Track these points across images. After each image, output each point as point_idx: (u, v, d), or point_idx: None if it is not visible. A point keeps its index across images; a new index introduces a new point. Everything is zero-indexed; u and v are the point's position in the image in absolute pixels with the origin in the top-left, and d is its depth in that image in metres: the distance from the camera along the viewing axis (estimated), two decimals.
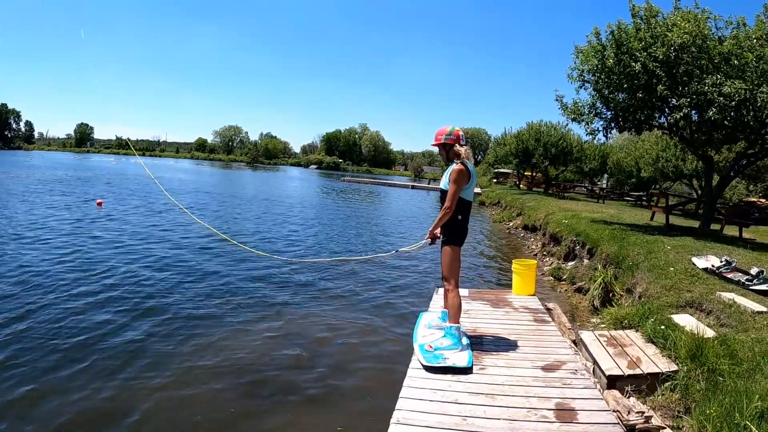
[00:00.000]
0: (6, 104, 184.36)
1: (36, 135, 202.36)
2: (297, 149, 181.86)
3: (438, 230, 6.39)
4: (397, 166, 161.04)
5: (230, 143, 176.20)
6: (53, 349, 7.13)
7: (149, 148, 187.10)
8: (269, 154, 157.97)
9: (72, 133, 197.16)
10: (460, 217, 6.26)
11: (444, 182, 6.27)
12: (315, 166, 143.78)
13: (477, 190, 52.64)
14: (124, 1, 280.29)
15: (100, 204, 24.32)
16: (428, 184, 79.66)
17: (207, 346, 7.65)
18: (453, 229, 6.26)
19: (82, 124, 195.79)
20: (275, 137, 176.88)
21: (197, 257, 13.46)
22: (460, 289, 6.41)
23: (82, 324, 8.11)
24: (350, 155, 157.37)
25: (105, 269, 11.57)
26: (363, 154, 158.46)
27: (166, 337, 7.91)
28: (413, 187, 70.80)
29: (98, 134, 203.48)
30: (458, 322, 6.29)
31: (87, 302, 9.20)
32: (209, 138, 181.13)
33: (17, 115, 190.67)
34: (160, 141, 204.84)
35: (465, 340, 6.40)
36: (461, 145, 6.34)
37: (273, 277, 12.14)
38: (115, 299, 9.49)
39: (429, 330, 6.85)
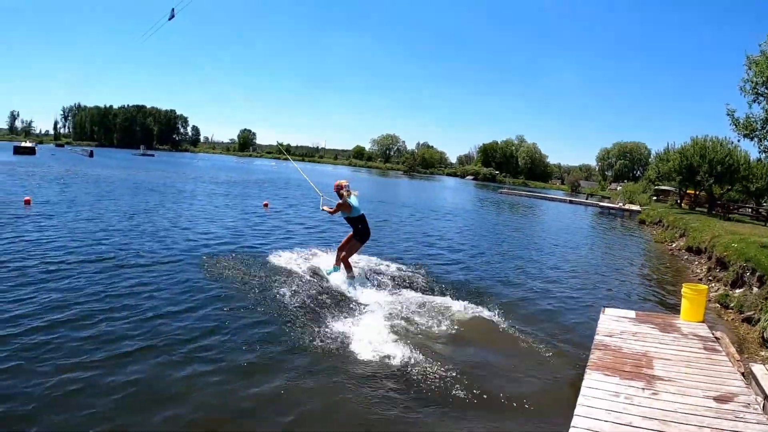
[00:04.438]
0: (174, 110, 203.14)
1: (202, 139, 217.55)
2: (453, 159, 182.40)
3: (326, 209, 11.82)
4: (553, 180, 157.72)
5: (387, 152, 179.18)
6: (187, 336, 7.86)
7: (308, 154, 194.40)
8: (426, 163, 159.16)
9: (235, 137, 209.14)
10: (360, 226, 11.61)
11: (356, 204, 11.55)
12: (471, 177, 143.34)
13: (634, 206, 50.95)
14: (280, 10, 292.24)
15: (266, 205, 25.79)
16: (586, 199, 77.63)
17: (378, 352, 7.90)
18: (356, 231, 11.67)
19: (245, 129, 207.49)
20: (432, 147, 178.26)
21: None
22: (626, 311, 6.97)
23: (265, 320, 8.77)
24: (507, 167, 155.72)
25: (255, 267, 12.32)
26: (519, 167, 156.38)
27: (333, 338, 8.27)
28: (570, 201, 69.09)
29: (260, 140, 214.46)
30: (337, 264, 11.71)
31: (261, 297, 9.85)
32: (367, 146, 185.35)
33: (185, 120, 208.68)
34: (319, 148, 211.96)
35: (336, 269, 11.75)
36: (343, 188, 11.39)
37: (446, 280, 12.67)
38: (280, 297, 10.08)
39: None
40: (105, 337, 7.43)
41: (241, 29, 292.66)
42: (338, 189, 11.41)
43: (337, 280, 11.47)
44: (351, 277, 11.52)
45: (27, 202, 20.61)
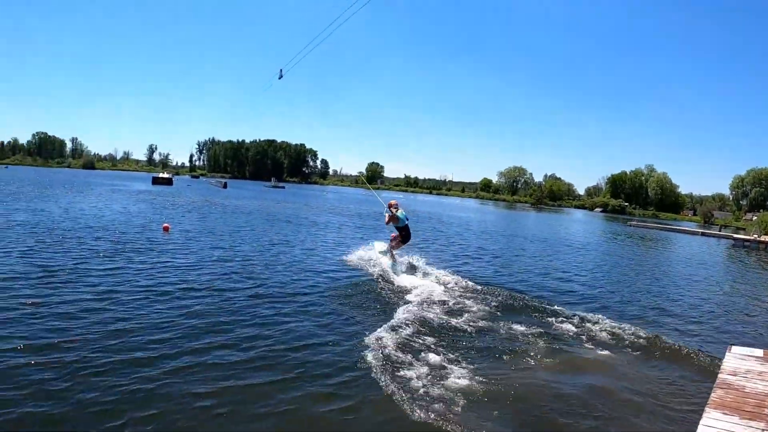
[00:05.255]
0: (304, 144, 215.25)
1: (330, 172, 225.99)
2: (581, 191, 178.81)
3: (388, 220, 16.15)
4: (685, 211, 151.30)
5: (515, 184, 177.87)
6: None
7: (435, 187, 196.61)
8: (553, 195, 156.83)
9: (363, 170, 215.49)
10: (403, 232, 16.11)
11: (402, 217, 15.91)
12: (600, 209, 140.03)
13: None
14: (404, 44, 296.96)
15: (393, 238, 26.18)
16: (719, 230, 73.81)
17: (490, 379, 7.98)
18: (401, 234, 16.18)
19: (373, 162, 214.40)
20: (559, 179, 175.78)
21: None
22: (754, 350, 6.74)
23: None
24: (636, 198, 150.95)
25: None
26: (650, 197, 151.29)
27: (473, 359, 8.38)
28: (702, 234, 65.85)
29: (387, 173, 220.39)
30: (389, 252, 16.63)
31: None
32: (494, 178, 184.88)
33: (314, 154, 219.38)
34: (446, 180, 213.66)
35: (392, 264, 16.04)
36: (393, 207, 16.03)
37: (572, 310, 12.38)
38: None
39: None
40: (247, 365, 7.82)
41: (366, 64, 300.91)
42: (390, 207, 16.23)
43: (457, 314, 11.64)
44: (394, 261, 16.26)
45: (165, 229, 22.17)
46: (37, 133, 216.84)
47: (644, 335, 11.09)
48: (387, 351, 8.75)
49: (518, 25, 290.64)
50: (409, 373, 7.89)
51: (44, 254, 14.71)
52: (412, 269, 16.40)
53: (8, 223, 20.89)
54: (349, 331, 9.92)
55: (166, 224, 23.20)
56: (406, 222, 16.22)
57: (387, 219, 16.20)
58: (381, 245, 17.61)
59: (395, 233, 16.52)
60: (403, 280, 14.75)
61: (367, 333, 9.65)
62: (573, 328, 11.17)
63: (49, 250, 15.47)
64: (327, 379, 7.63)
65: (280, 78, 22.70)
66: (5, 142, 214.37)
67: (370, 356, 8.48)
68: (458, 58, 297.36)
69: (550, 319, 11.78)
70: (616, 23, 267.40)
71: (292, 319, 10.39)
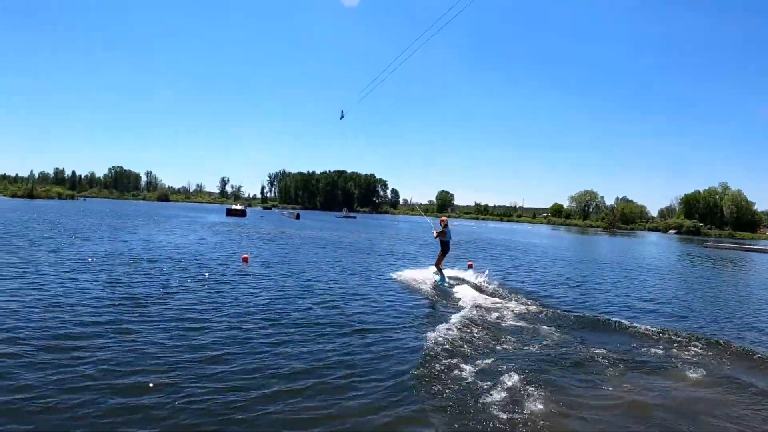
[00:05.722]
0: (374, 174, 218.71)
1: (401, 201, 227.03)
2: (654, 213, 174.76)
3: (435, 232, 19.89)
4: (762, 229, 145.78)
5: (586, 208, 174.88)
6: None
7: (506, 214, 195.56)
8: (626, 218, 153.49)
9: (434, 199, 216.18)
10: (446, 247, 19.60)
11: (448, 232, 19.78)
12: (674, 231, 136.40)
13: None
14: (472, 72, 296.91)
15: (470, 266, 25.76)
16: None
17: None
18: (443, 248, 19.57)
19: (443, 191, 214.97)
20: (631, 201, 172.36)
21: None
22: None
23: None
24: (711, 218, 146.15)
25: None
26: (725, 216, 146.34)
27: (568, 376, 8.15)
28: None
29: (458, 200, 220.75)
30: (439, 271, 19.46)
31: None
32: (565, 203, 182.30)
33: (384, 184, 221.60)
34: (517, 207, 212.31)
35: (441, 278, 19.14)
36: (443, 224, 19.84)
37: (656, 335, 12.10)
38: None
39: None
40: (339, 411, 7.41)
41: (436, 94, 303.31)
42: (440, 222, 19.88)
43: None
44: (443, 276, 19.05)
45: (245, 260, 22.64)
46: (113, 167, 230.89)
47: (732, 358, 10.89)
48: (470, 380, 8.62)
49: (584, 46, 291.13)
50: (489, 400, 7.79)
51: (131, 285, 15.10)
52: (494, 295, 16.38)
53: (93, 254, 21.77)
54: (441, 367, 9.37)
55: (245, 255, 23.65)
56: (450, 237, 19.79)
57: (436, 234, 19.52)
58: (433, 268, 20.10)
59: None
60: (473, 301, 14.91)
61: (453, 365, 9.44)
62: (660, 351, 10.96)
63: (135, 281, 15.92)
64: (419, 415, 7.40)
65: (341, 118, 24.78)
66: (83, 176, 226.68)
67: (459, 387, 8.34)
68: (525, 84, 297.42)
69: (633, 344, 11.54)
70: (686, 40, 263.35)
71: (379, 356, 9.97)
